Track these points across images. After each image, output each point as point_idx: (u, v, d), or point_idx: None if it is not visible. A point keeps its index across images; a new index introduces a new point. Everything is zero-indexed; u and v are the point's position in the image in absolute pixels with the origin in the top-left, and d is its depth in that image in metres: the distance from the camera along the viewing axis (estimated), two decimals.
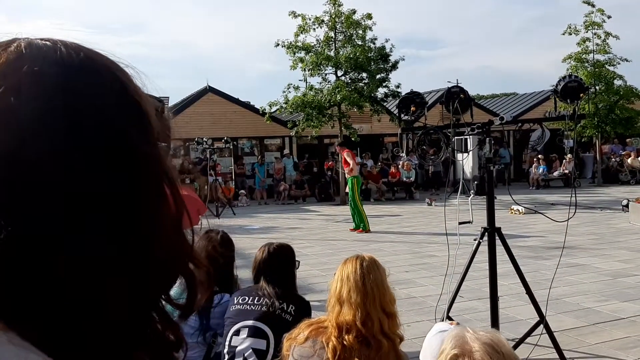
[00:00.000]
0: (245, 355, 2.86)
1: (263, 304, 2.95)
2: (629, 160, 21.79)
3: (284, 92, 18.08)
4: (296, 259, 3.24)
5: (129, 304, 0.53)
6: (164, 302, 0.58)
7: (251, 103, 22.86)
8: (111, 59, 0.58)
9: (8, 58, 0.52)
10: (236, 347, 2.89)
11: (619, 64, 20.17)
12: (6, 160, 0.49)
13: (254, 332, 2.89)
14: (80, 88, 0.53)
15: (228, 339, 2.93)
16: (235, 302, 3.02)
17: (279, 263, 3.11)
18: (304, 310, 2.97)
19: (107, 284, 0.51)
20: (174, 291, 0.60)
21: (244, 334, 2.91)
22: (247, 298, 3.00)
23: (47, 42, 0.55)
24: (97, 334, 0.51)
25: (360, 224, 11.91)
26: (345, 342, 2.23)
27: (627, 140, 23.27)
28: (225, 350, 2.92)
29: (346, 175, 12.18)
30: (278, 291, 2.98)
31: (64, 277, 0.49)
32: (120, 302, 0.52)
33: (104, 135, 0.53)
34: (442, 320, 4.21)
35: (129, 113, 0.55)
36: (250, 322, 2.91)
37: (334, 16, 17.81)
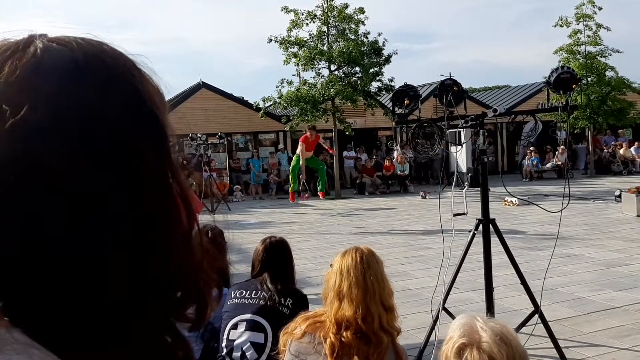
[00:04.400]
0: (244, 348, 2.88)
1: (260, 297, 2.96)
2: (621, 151, 21.92)
3: (278, 87, 18.07)
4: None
5: (138, 314, 0.53)
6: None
7: (245, 98, 22.80)
8: (131, 59, 0.56)
9: (26, 65, 0.50)
10: (234, 340, 2.91)
11: (610, 55, 20.25)
12: (21, 173, 0.48)
13: (252, 326, 2.90)
14: (97, 103, 0.51)
15: (226, 332, 2.94)
16: (233, 296, 3.03)
17: (280, 256, 3.12)
18: (301, 303, 2.98)
19: (114, 290, 0.51)
20: None
21: (241, 327, 2.92)
22: (244, 292, 3.01)
23: (65, 48, 0.53)
24: (100, 335, 0.51)
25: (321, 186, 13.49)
26: (343, 339, 2.20)
27: (619, 131, 23.39)
28: (224, 344, 2.93)
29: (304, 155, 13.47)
30: (278, 285, 3.00)
31: (69, 279, 0.49)
32: (127, 307, 0.52)
33: (118, 151, 0.52)
34: (438, 313, 4.25)
35: (145, 127, 0.54)
36: (248, 316, 2.93)
37: (326, 11, 17.77)
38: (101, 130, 0.51)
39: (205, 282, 0.59)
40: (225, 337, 2.94)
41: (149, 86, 0.56)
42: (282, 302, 2.94)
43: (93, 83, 0.52)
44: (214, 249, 3.22)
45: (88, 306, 0.50)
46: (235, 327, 2.93)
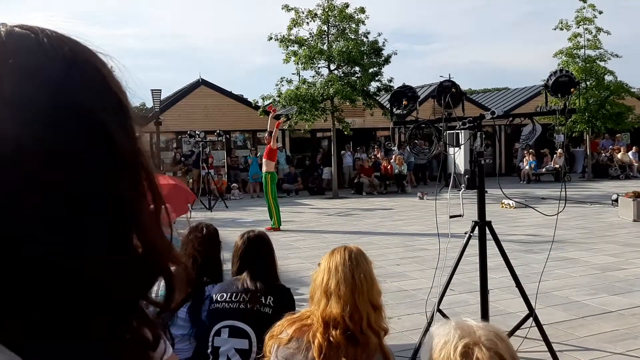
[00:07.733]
0: (229, 355, 2.83)
1: (240, 300, 2.88)
2: (618, 155, 21.96)
3: (277, 85, 18.06)
4: (275, 250, 3.16)
5: (109, 300, 0.52)
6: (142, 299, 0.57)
7: (244, 96, 22.79)
8: (93, 50, 0.57)
9: None
10: (219, 348, 2.85)
11: (609, 59, 20.29)
12: None
13: (234, 332, 2.85)
14: (63, 82, 0.52)
15: (210, 339, 2.89)
16: (214, 299, 2.94)
17: (259, 251, 3.03)
18: (284, 298, 2.91)
19: (86, 281, 0.50)
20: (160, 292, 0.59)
21: (224, 334, 2.86)
22: (224, 295, 2.93)
23: (29, 32, 0.54)
24: (71, 331, 0.50)
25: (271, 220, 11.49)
26: (331, 339, 2.14)
27: (617, 135, 23.43)
28: (209, 351, 2.89)
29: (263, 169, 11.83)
30: (258, 283, 2.91)
31: (40, 275, 0.48)
32: (101, 298, 0.51)
33: (85, 129, 0.52)
34: (433, 314, 4.24)
35: (110, 108, 0.55)
36: (229, 322, 2.87)
37: (327, 10, 17.76)
38: (67, 107, 0.52)
39: (174, 264, 0.59)
40: (210, 343, 2.89)
41: (110, 72, 0.58)
42: (263, 301, 2.86)
43: (57, 62, 0.53)
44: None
45: (68, 300, 0.50)
46: (218, 333, 2.87)
